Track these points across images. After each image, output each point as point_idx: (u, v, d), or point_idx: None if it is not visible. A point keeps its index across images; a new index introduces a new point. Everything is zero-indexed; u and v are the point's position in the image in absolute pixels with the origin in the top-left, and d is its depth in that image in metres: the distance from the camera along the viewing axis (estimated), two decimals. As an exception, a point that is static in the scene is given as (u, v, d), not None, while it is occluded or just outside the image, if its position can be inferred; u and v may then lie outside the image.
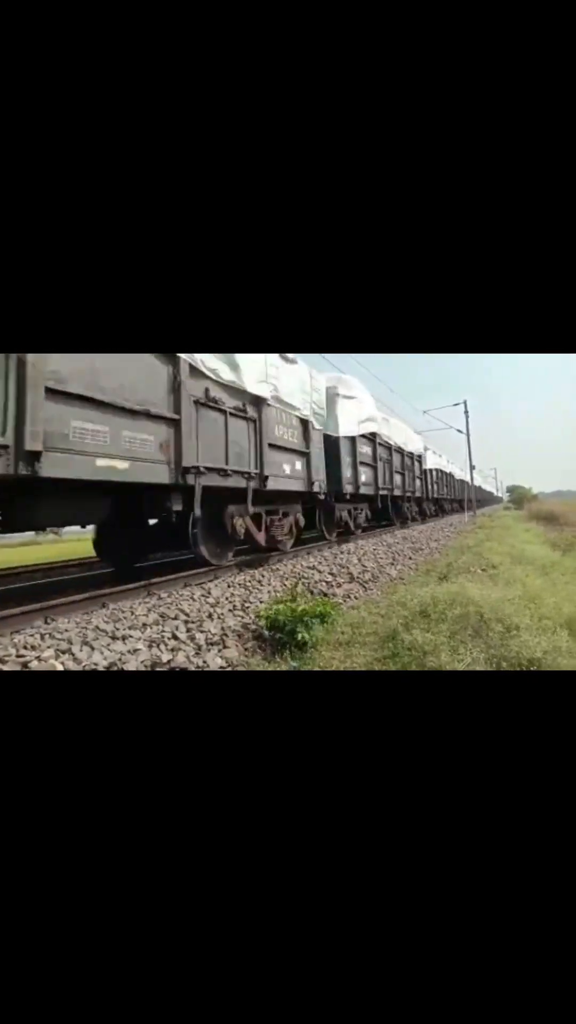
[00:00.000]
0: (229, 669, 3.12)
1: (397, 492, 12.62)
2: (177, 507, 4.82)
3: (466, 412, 22.11)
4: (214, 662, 3.15)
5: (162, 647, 3.19)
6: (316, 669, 3.07)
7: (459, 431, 22.33)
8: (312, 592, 4.91)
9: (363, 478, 9.85)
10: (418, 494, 15.36)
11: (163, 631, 3.43)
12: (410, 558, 8.37)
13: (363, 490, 9.83)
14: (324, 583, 5.46)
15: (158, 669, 2.94)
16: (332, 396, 8.41)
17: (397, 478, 12.74)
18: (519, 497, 48.88)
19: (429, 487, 17.34)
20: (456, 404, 22.53)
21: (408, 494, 13.93)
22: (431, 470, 17.81)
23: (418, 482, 15.42)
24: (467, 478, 24.71)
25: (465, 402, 22.05)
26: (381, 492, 11.14)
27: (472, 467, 22.66)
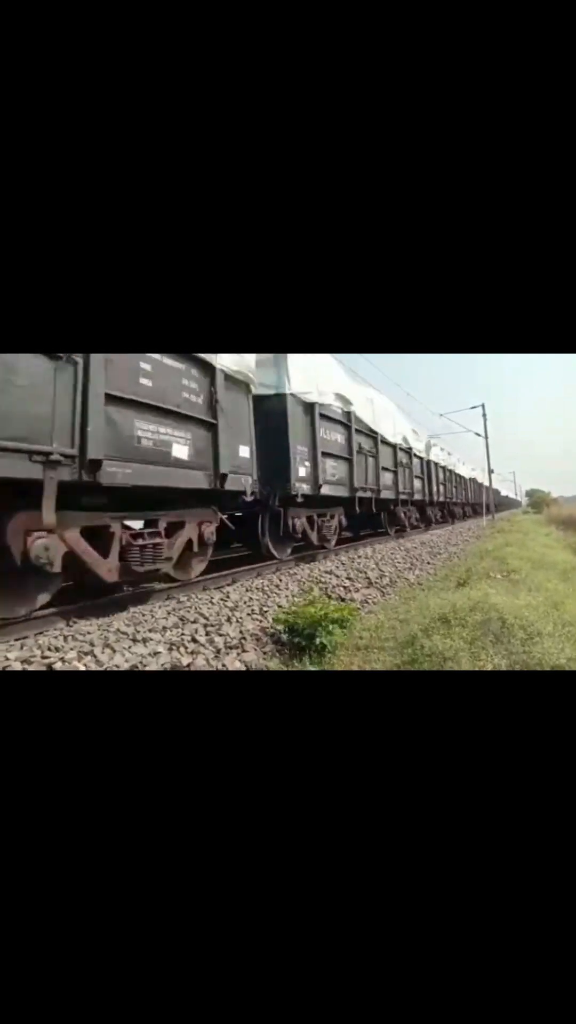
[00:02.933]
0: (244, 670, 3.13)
1: (387, 494, 10.04)
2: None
3: (484, 415, 21.84)
4: (233, 665, 3.17)
5: (182, 650, 3.22)
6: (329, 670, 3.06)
7: (477, 434, 22.08)
8: (330, 597, 4.90)
9: (330, 474, 7.29)
10: (418, 497, 13.17)
11: (183, 634, 3.46)
12: (428, 563, 8.30)
13: (328, 490, 7.22)
14: (342, 588, 5.44)
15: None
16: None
17: (386, 477, 10.11)
18: (538, 501, 47.99)
19: (434, 489, 15.15)
20: (474, 407, 22.31)
21: (403, 497, 11.48)
22: (435, 465, 15.63)
23: (417, 483, 13.29)
24: (484, 480, 24.36)
25: (483, 405, 21.80)
26: (359, 494, 8.32)
27: (491, 471, 22.37)
